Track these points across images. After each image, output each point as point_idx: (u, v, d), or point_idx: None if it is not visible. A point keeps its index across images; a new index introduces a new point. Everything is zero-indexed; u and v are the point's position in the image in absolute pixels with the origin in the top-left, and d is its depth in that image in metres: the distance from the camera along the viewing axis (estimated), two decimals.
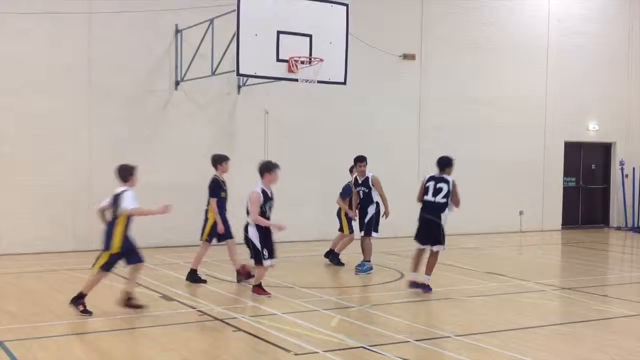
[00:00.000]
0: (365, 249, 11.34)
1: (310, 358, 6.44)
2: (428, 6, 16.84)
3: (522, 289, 10.27)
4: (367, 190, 11.44)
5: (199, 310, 8.27)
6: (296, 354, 6.50)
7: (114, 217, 7.90)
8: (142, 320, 7.79)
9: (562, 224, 19.04)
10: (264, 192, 8.78)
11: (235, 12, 11.36)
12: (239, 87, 14.74)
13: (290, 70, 11.98)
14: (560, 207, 19.04)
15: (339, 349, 6.69)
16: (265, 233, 8.82)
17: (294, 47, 11.94)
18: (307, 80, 12.29)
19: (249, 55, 11.56)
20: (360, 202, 11.55)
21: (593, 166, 19.86)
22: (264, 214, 8.76)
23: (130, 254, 7.94)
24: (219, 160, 10.18)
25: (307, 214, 15.17)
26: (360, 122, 16.05)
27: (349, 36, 12.71)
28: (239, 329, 7.43)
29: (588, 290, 10.08)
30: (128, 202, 7.81)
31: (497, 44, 17.81)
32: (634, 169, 19.63)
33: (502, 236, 16.76)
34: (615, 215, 19.99)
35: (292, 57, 11.88)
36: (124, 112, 13.78)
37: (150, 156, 13.54)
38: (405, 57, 16.55)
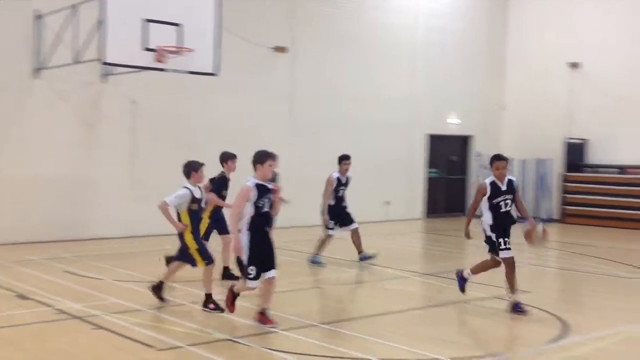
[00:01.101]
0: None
1: (174, 353, 6.39)
2: None
3: (386, 276, 10.68)
4: (345, 189, 11.60)
5: (57, 309, 7.94)
6: (159, 350, 6.42)
7: None
8: None
9: (426, 213, 19.94)
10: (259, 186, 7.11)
11: None
12: (105, 76, 14.25)
13: (158, 60, 11.74)
14: (423, 197, 19.93)
15: (205, 343, 6.67)
16: (258, 240, 7.12)
17: (162, 37, 11.71)
18: (176, 70, 12.11)
19: (115, 43, 11.21)
20: (339, 200, 11.56)
21: (454, 158, 20.90)
22: (259, 209, 7.08)
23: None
24: (225, 158, 10.07)
25: None
26: (232, 114, 15.97)
27: (220, 27, 12.63)
28: (100, 327, 7.20)
29: (447, 276, 10.63)
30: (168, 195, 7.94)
31: (366, 40, 18.29)
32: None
33: (369, 226, 17.26)
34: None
35: (161, 47, 11.65)
36: None
37: (6, 148, 12.84)
38: (277, 49, 16.65)
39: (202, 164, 8.36)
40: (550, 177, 19.77)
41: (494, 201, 8.11)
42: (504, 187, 8.16)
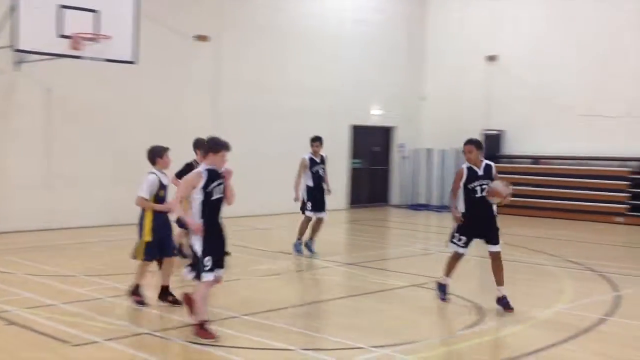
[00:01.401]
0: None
1: (90, 348, 6.22)
2: None
3: (310, 266, 10.73)
4: (324, 168, 11.74)
5: None
6: (75, 345, 6.23)
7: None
8: None
9: (350, 204, 20.14)
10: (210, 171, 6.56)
11: None
12: (18, 64, 13.66)
13: (74, 47, 11.41)
14: (347, 187, 20.12)
15: (123, 337, 6.53)
16: (211, 231, 6.55)
17: (79, 23, 11.38)
18: (92, 58, 11.77)
19: (29, 29, 10.84)
20: (318, 180, 11.65)
21: (376, 148, 21.18)
22: (209, 195, 6.51)
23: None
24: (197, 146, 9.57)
25: (97, 198, 14.60)
26: (153, 103, 15.64)
27: (140, 14, 12.34)
28: (12, 322, 6.93)
29: (369, 265, 10.78)
30: (140, 188, 7.60)
31: (289, 29, 18.26)
32: (411, 151, 21.26)
33: (294, 216, 17.29)
34: (395, 194, 21.54)
35: (77, 34, 11.30)
36: None
37: None
38: (199, 38, 16.39)
39: (166, 149, 7.90)
40: None
41: (469, 186, 7.91)
42: (480, 172, 7.94)
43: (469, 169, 7.98)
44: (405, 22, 21.29)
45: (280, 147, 17.54)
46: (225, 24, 16.89)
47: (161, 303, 7.75)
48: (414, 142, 21.48)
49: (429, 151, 21.24)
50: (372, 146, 21.04)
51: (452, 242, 8.19)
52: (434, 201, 21.08)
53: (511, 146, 19.92)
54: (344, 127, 19.87)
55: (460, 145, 21.94)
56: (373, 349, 6.34)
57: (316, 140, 11.84)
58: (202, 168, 6.58)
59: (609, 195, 17.53)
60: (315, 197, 11.65)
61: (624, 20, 17.87)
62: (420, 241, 14.84)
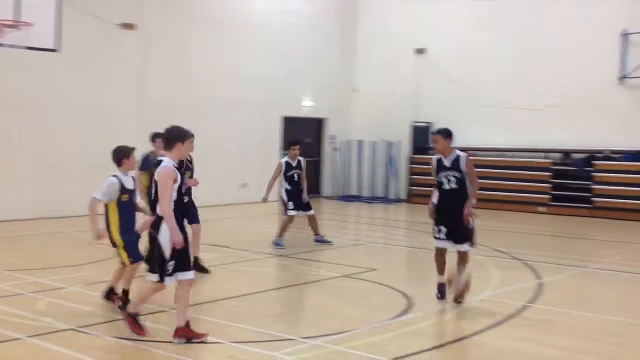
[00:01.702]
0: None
1: (12, 345, 6.00)
2: None
3: (242, 258, 10.65)
4: (300, 172, 11.88)
5: None
6: None
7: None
8: None
9: None
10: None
11: None
12: None
13: None
14: None
15: (46, 333, 6.33)
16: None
17: None
18: (12, 46, 11.32)
19: None
20: (296, 184, 11.84)
21: (308, 140, 21.19)
22: (180, 194, 6.18)
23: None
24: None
25: (18, 190, 14.12)
26: (77, 92, 15.19)
27: (62, 1, 11.93)
28: None
29: (300, 256, 10.79)
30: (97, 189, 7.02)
31: (218, 20, 18.03)
32: (342, 142, 21.41)
33: (225, 208, 17.17)
34: (327, 185, 21.64)
35: None
36: None
37: None
38: (125, 26, 15.99)
39: (132, 149, 7.39)
40: (398, 159, 20.59)
41: (437, 177, 7.66)
42: (447, 163, 7.63)
43: (438, 160, 7.72)
44: (337, 14, 21.35)
45: (210, 138, 17.33)
46: (153, 12, 16.54)
47: (104, 301, 7.38)
48: (345, 134, 21.61)
49: (360, 143, 21.41)
50: (303, 137, 21.04)
51: (433, 237, 7.84)
52: (365, 192, 21.29)
53: None
54: (276, 119, 19.79)
55: (391, 136, 22.24)
56: (303, 340, 6.35)
57: (295, 145, 12.14)
58: (170, 164, 6.09)
59: (532, 186, 18.09)
60: (296, 198, 11.90)
61: (546, 16, 18.41)
62: (351, 232, 14.97)
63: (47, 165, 14.46)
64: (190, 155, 8.96)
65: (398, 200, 20.44)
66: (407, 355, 5.97)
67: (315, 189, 21.48)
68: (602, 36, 17.39)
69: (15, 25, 11.05)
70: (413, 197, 20.21)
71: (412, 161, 20.30)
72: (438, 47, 20.18)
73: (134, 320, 6.36)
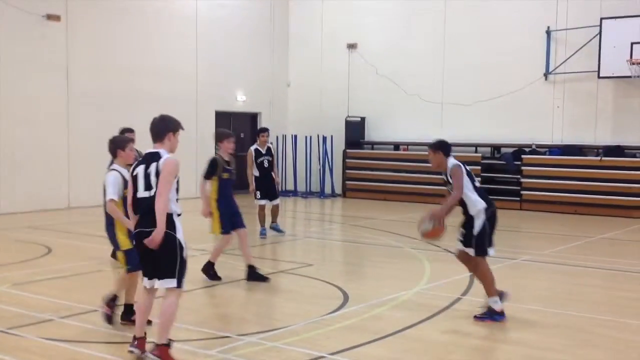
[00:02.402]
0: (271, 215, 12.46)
1: None
2: None
3: None
4: (271, 159, 12.19)
5: None
6: None
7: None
8: None
9: None
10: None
11: None
12: None
13: None
14: None
15: None
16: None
17: None
18: None
19: None
20: (265, 170, 12.12)
21: (242, 135, 21.02)
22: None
23: None
24: (220, 137, 9.24)
25: None
26: (2, 85, 14.66)
27: None
28: None
29: (236, 252, 10.68)
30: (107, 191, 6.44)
31: (146, 11, 17.66)
32: (277, 137, 21.32)
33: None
34: None
35: None
36: None
37: None
38: (50, 17, 15.47)
39: (129, 140, 6.91)
40: (332, 153, 20.66)
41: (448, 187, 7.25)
42: (446, 177, 7.30)
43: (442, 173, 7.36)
44: (269, 7, 21.20)
45: (141, 131, 16.97)
46: (78, 3, 16.05)
47: (124, 322, 6.60)
48: (279, 128, 21.53)
49: (294, 137, 21.37)
50: (237, 132, 20.86)
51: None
52: (300, 187, 21.27)
53: (373, 133, 20.47)
54: (209, 113, 19.56)
55: (326, 131, 22.25)
56: (239, 337, 6.28)
57: (263, 132, 12.43)
58: (171, 156, 5.63)
59: None
60: (264, 186, 12.15)
61: (477, 13, 18.77)
62: (288, 227, 14.92)
63: None
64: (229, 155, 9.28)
65: (334, 195, 20.52)
66: (344, 350, 5.99)
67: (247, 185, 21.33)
68: (528, 33, 17.86)
69: None
70: (348, 192, 20.34)
71: (347, 155, 20.41)
72: (370, 41, 20.32)
73: (167, 350, 5.48)
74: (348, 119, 20.35)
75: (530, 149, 17.78)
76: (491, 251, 7.08)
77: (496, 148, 18.53)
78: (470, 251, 7.12)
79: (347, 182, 20.47)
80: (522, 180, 17.62)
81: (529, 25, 17.85)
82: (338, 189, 20.75)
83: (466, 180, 7.14)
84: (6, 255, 10.03)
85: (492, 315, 6.94)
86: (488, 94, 18.31)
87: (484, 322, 6.90)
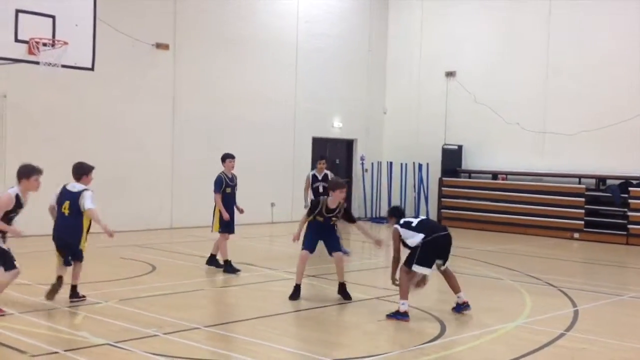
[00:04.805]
0: None
1: (49, 358, 6.04)
2: None
3: (270, 278, 10.63)
4: (326, 186, 12.34)
5: None
6: (33, 356, 6.04)
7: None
8: None
9: None
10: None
11: None
12: None
13: (30, 52, 11.11)
14: None
15: (82, 347, 6.36)
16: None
17: (35, 28, 11.08)
18: (49, 64, 11.50)
19: None
20: (320, 195, 12.26)
21: (337, 161, 21.18)
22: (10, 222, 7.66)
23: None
24: (223, 158, 11.08)
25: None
26: (111, 111, 15.46)
27: (97, 20, 12.13)
28: None
29: (330, 277, 10.72)
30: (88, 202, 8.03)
31: (250, 41, 18.19)
32: (372, 164, 21.36)
33: (255, 227, 17.20)
34: (357, 206, 21.54)
35: (33, 38, 11.03)
36: None
37: None
38: (158, 46, 16.22)
39: (92, 167, 8.47)
40: (428, 181, 20.45)
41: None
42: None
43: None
44: (366, 35, 21.39)
45: (241, 157, 17.42)
46: (186, 33, 16.77)
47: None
48: (375, 155, 21.56)
49: (389, 164, 21.33)
50: (332, 158, 21.06)
51: None
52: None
53: (470, 161, 20.16)
54: (306, 139, 19.85)
55: (421, 158, 21.99)
56: None
57: (322, 159, 13.45)
58: (13, 193, 7.65)
59: (565, 212, 17.79)
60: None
61: (574, 38, 18.23)
62: (382, 255, 14.85)
63: None
64: (232, 173, 11.08)
65: None
66: None
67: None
68: (633, 64, 17.18)
69: (51, 44, 11.25)
70: (444, 220, 20.03)
71: (443, 184, 20.17)
72: (467, 69, 20.11)
73: None
74: (445, 146, 20.13)
75: (637, 181, 17.00)
76: (421, 269, 8.15)
77: (601, 180, 17.82)
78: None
79: (443, 210, 20.19)
80: (630, 213, 16.83)
81: (635, 57, 17.17)
82: (433, 217, 20.49)
83: (405, 234, 8.22)
84: (114, 271, 10.46)
85: (397, 315, 7.95)
86: (594, 124, 17.66)
87: (392, 320, 7.90)
